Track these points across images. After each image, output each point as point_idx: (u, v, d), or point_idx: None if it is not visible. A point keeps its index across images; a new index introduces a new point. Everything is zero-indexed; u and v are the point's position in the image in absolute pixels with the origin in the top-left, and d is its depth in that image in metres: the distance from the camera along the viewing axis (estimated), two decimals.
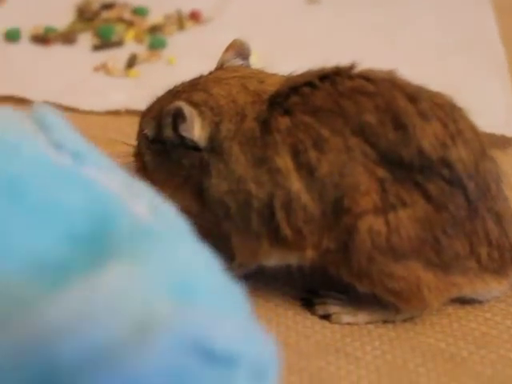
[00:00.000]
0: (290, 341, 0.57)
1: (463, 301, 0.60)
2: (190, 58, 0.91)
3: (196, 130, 0.58)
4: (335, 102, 0.55)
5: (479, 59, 0.94)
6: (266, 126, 0.56)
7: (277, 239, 0.56)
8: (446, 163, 0.54)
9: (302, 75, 0.58)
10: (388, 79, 0.56)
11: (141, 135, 0.63)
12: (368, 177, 0.54)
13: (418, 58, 0.93)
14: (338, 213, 0.54)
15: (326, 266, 0.57)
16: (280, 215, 0.55)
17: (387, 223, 0.53)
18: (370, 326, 0.59)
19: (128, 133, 0.77)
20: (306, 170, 0.55)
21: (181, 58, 0.92)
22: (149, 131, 0.61)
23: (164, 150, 0.60)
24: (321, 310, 0.59)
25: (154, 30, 0.98)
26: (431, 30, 1.01)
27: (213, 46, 0.92)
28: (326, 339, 0.57)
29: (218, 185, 0.58)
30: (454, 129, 0.55)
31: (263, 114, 0.57)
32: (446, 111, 0.56)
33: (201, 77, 0.62)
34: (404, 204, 0.53)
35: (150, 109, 0.63)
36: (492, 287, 0.58)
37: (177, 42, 0.97)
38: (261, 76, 0.61)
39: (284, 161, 0.55)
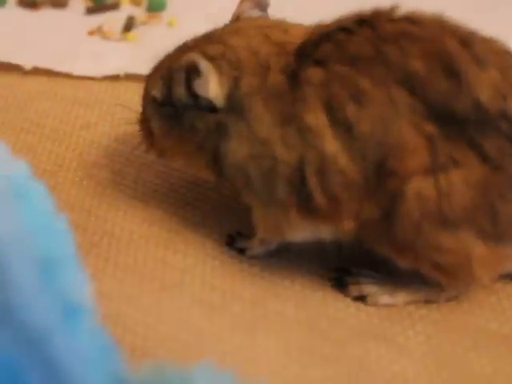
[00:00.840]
0: (322, 326, 0.51)
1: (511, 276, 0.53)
2: (192, 19, 0.84)
3: (212, 86, 0.51)
4: (376, 48, 0.48)
5: (506, 18, 0.87)
6: (294, 78, 0.49)
7: (308, 209, 0.49)
8: (506, 117, 0.47)
9: (335, 21, 0.51)
10: (436, 22, 0.50)
11: (147, 98, 0.56)
12: (415, 133, 0.47)
13: (461, 9, 0.86)
14: (381, 176, 0.47)
15: (364, 240, 0.50)
16: (312, 181, 0.48)
17: (437, 187, 0.47)
18: (411, 308, 0.52)
19: (128, 100, 0.71)
20: (344, 128, 0.48)
21: (182, 20, 0.85)
22: (157, 92, 0.54)
23: (175, 113, 0.53)
24: (354, 290, 0.53)
25: None
26: None
27: (216, 6, 0.86)
28: (362, 324, 0.51)
29: (237, 149, 0.51)
30: None
31: (291, 65, 0.50)
32: (503, 58, 0.49)
33: (216, 29, 0.55)
34: (457, 164, 0.47)
35: (157, 67, 0.56)
36: None
37: (177, 3, 0.89)
38: (284, 26, 0.54)
39: (317, 118, 0.48)
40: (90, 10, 0.88)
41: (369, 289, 0.52)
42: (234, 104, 0.51)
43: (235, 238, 0.56)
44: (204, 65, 0.50)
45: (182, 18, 0.85)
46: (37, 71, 0.76)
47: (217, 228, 0.58)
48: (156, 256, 0.55)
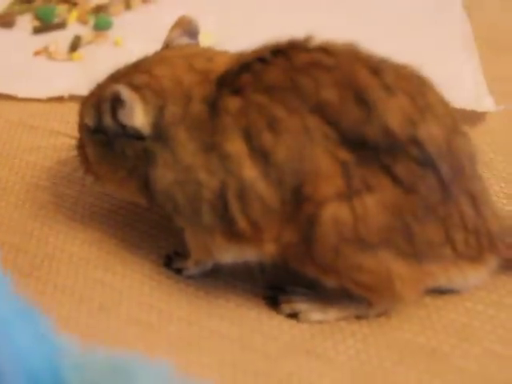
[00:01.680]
0: (256, 343, 0.52)
1: (440, 291, 0.55)
2: (137, 38, 0.85)
3: (138, 116, 0.52)
4: (290, 78, 0.50)
5: (444, 33, 0.89)
6: (214, 107, 0.51)
7: (232, 233, 0.51)
8: (416, 142, 0.48)
9: (253, 51, 0.53)
10: (348, 51, 0.51)
11: (82, 125, 0.57)
12: (329, 160, 0.48)
13: (380, 32, 0.87)
14: (297, 201, 0.49)
15: (289, 261, 0.52)
16: (234, 206, 0.50)
17: (353, 210, 0.48)
18: (342, 323, 0.54)
19: (72, 122, 0.72)
20: (261, 155, 0.49)
21: (128, 39, 0.86)
22: (89, 120, 0.55)
23: (106, 140, 0.55)
24: (287, 308, 0.54)
25: (99, 9, 0.92)
26: (394, 5, 0.96)
27: (162, 26, 0.86)
28: (295, 340, 0.52)
29: (164, 176, 0.52)
30: (422, 103, 0.50)
31: (211, 94, 0.51)
32: (412, 84, 0.51)
33: (144, 58, 0.56)
34: (370, 189, 0.48)
35: (89, 96, 0.57)
36: (469, 275, 0.53)
37: (123, 22, 0.90)
38: (209, 54, 0.55)
39: (235, 145, 0.50)
40: (37, 30, 0.89)
41: (301, 306, 0.54)
42: (160, 132, 0.52)
43: (172, 259, 0.57)
44: (127, 95, 0.51)
45: (127, 37, 0.86)
46: None
47: (154, 249, 0.59)
48: (95, 277, 0.57)
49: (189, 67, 0.53)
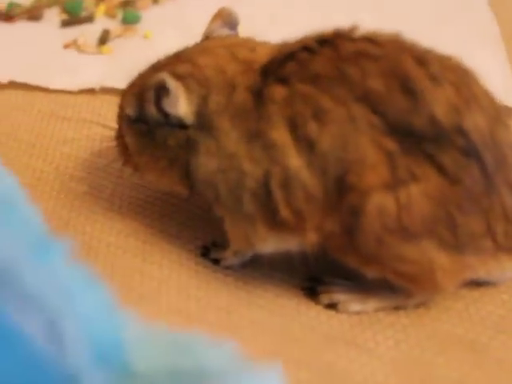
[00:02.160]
0: (296, 334, 0.52)
1: (477, 282, 0.55)
2: (166, 32, 0.86)
3: (182, 104, 0.52)
4: (336, 68, 0.50)
5: (469, 28, 0.89)
6: (259, 96, 0.51)
7: (274, 222, 0.51)
8: (461, 131, 0.49)
9: (298, 41, 0.53)
10: (394, 41, 0.51)
11: (122, 115, 0.57)
12: (375, 149, 0.48)
13: (407, 28, 0.88)
14: (341, 191, 0.49)
15: (330, 251, 0.52)
16: (277, 195, 0.50)
17: (397, 200, 0.48)
18: (381, 314, 0.54)
19: (104, 114, 0.73)
20: (306, 144, 0.49)
21: (157, 33, 0.86)
22: (130, 110, 0.56)
23: (147, 130, 0.55)
24: (326, 298, 0.54)
25: (126, 4, 0.92)
26: (420, 1, 0.96)
27: (190, 19, 0.88)
28: (334, 330, 0.53)
29: (206, 164, 0.52)
30: (467, 94, 0.50)
31: (256, 83, 0.52)
32: (457, 74, 0.51)
33: (186, 48, 0.57)
34: (416, 178, 0.48)
35: (131, 85, 0.58)
36: (507, 267, 0.53)
37: (152, 16, 0.90)
38: (251, 44, 0.56)
39: (280, 134, 0.50)
40: (65, 23, 0.89)
41: (339, 297, 0.54)
42: (203, 121, 0.52)
43: (210, 249, 0.58)
44: (172, 84, 0.52)
45: (156, 30, 0.86)
46: (13, 85, 0.77)
47: (192, 239, 0.59)
48: (133, 267, 0.57)
49: (231, 57, 0.53)
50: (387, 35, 0.52)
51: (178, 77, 0.53)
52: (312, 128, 0.49)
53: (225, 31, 0.58)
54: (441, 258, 0.50)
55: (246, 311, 0.54)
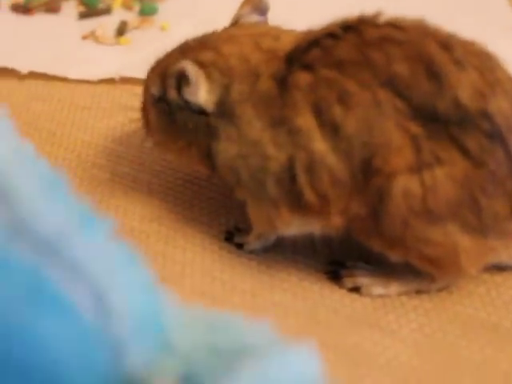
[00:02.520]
0: (320, 316, 0.53)
1: (499, 267, 0.56)
2: (183, 23, 0.86)
3: (202, 93, 0.53)
4: (361, 53, 0.50)
5: (487, 19, 0.89)
6: (283, 83, 0.51)
7: (298, 206, 0.51)
8: (486, 115, 0.49)
9: (322, 28, 0.53)
10: (418, 26, 0.52)
11: (147, 92, 0.58)
12: (400, 133, 0.49)
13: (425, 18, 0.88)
14: (367, 174, 0.50)
15: (354, 235, 0.52)
16: (303, 179, 0.50)
17: (423, 183, 0.49)
18: (404, 298, 0.54)
19: (124, 103, 0.73)
20: (331, 129, 0.50)
21: (174, 24, 0.87)
22: (154, 89, 0.57)
23: (169, 111, 0.56)
24: (349, 282, 0.55)
25: None
26: None
27: (207, 10, 0.88)
28: (358, 313, 0.53)
29: (227, 150, 0.53)
30: (491, 78, 0.50)
31: (280, 71, 0.52)
32: (481, 59, 0.51)
33: (212, 33, 0.57)
34: (440, 161, 0.49)
35: (156, 65, 0.58)
36: None
37: (169, 7, 0.91)
38: (276, 33, 0.56)
39: (305, 120, 0.50)
40: (83, 15, 0.90)
41: (363, 280, 0.54)
42: (225, 109, 0.53)
43: (234, 234, 0.58)
44: (193, 73, 0.53)
45: (174, 22, 0.87)
46: (33, 75, 0.78)
47: (215, 225, 0.60)
48: (156, 250, 0.57)
49: (255, 46, 0.54)
50: (411, 20, 0.52)
51: (201, 64, 0.53)
52: (337, 112, 0.50)
53: (254, 17, 0.59)
54: (464, 241, 0.50)
55: (270, 294, 0.54)
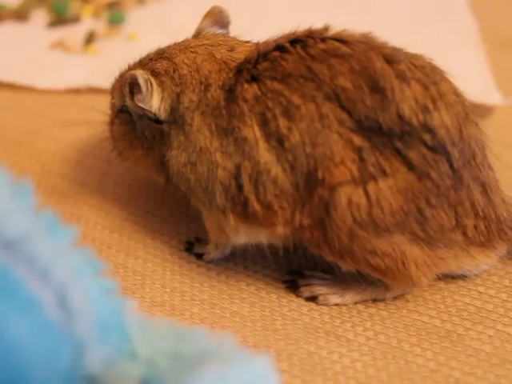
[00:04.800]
0: (277, 325, 0.54)
1: (453, 276, 0.57)
2: (151, 33, 0.87)
3: (155, 100, 0.54)
4: (307, 67, 0.51)
5: (450, 29, 0.90)
6: (231, 94, 0.53)
7: (245, 215, 0.52)
8: (428, 128, 0.50)
9: (273, 40, 0.54)
10: (363, 41, 0.52)
11: (110, 103, 0.60)
12: (344, 145, 0.50)
13: (387, 29, 0.89)
14: (311, 185, 0.51)
15: (306, 245, 0.53)
16: (248, 189, 0.52)
17: (367, 195, 0.50)
18: (360, 306, 0.55)
19: (89, 113, 0.73)
20: (276, 140, 0.51)
21: (142, 34, 0.87)
22: (115, 101, 0.58)
23: (130, 120, 0.57)
24: (306, 291, 0.56)
25: (112, 5, 0.93)
26: (400, 2, 0.97)
27: (174, 20, 0.89)
28: (315, 322, 0.54)
29: (176, 156, 0.54)
30: (435, 91, 0.51)
31: (229, 81, 0.53)
32: (425, 73, 0.52)
33: (170, 45, 0.58)
34: (384, 173, 0.50)
35: (119, 77, 0.60)
36: (479, 261, 0.55)
37: (137, 17, 0.91)
38: (231, 44, 0.57)
39: (251, 130, 0.51)
40: (52, 24, 0.90)
41: (320, 290, 0.55)
42: (176, 117, 0.54)
43: (193, 244, 0.59)
44: (144, 80, 0.54)
45: (141, 31, 0.88)
46: (0, 85, 0.78)
47: (175, 235, 0.61)
48: (118, 261, 0.58)
49: (209, 56, 0.55)
50: (357, 35, 0.53)
51: (155, 73, 0.55)
52: (282, 124, 0.51)
53: (215, 30, 0.60)
54: (413, 252, 0.51)
55: (229, 304, 0.55)
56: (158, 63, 0.56)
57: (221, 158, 0.52)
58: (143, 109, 0.55)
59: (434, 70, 0.53)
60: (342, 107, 0.50)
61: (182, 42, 0.59)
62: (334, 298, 0.55)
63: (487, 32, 0.89)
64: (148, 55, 0.59)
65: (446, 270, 0.55)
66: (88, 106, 0.75)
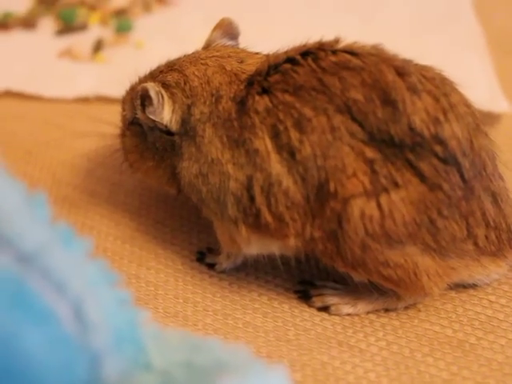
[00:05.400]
0: (289, 335, 0.54)
1: (464, 285, 0.57)
2: (158, 40, 0.87)
3: (166, 113, 0.55)
4: (318, 79, 0.51)
5: (455, 36, 0.90)
6: (243, 106, 0.53)
7: (257, 226, 0.53)
8: (439, 140, 0.50)
9: (284, 52, 0.55)
10: (374, 53, 0.53)
11: (121, 115, 0.60)
12: (355, 157, 0.50)
13: (392, 37, 0.89)
14: (323, 198, 0.51)
15: (318, 256, 0.54)
16: (260, 200, 0.52)
17: (379, 207, 0.50)
18: (372, 316, 0.55)
19: (98, 121, 0.74)
20: (287, 152, 0.51)
21: (149, 42, 0.88)
22: (127, 113, 0.59)
23: (141, 132, 0.58)
24: (318, 301, 0.56)
25: (120, 12, 0.93)
26: (405, 9, 0.97)
27: (182, 27, 0.89)
28: (327, 332, 0.54)
29: (188, 168, 0.55)
30: (445, 103, 0.51)
31: (240, 93, 0.54)
32: (436, 84, 0.52)
33: (181, 57, 0.59)
34: (396, 185, 0.50)
35: (130, 89, 0.60)
36: (490, 270, 0.55)
37: (144, 24, 0.92)
38: (241, 55, 0.57)
39: (263, 142, 0.52)
40: (60, 32, 0.90)
41: (332, 300, 0.56)
42: (187, 129, 0.55)
43: (205, 254, 0.59)
44: (155, 93, 0.54)
45: (148, 39, 0.88)
46: (9, 94, 0.79)
47: (186, 245, 0.61)
48: (130, 272, 0.58)
49: (220, 68, 0.55)
50: (368, 47, 0.53)
51: (166, 86, 0.55)
52: (293, 136, 0.51)
53: (225, 41, 0.60)
54: (425, 262, 0.51)
55: (241, 314, 0.55)
56: (168, 75, 0.56)
57: (232, 169, 0.52)
58: (154, 121, 0.55)
59: (444, 81, 0.53)
60: (354, 119, 0.50)
61: (193, 53, 0.59)
62: (346, 308, 0.55)
63: (491, 36, 0.89)
64: (158, 67, 0.59)
65: (458, 279, 0.55)
66: (97, 115, 0.76)
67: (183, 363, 0.39)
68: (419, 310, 0.56)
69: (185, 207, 0.63)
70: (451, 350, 0.53)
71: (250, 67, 0.55)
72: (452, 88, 0.53)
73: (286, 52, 0.55)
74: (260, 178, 0.52)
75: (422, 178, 0.50)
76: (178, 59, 0.58)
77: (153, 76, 0.58)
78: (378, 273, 0.52)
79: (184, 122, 0.55)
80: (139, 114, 0.56)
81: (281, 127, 0.51)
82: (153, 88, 0.54)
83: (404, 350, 0.53)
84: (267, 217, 0.52)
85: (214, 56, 0.57)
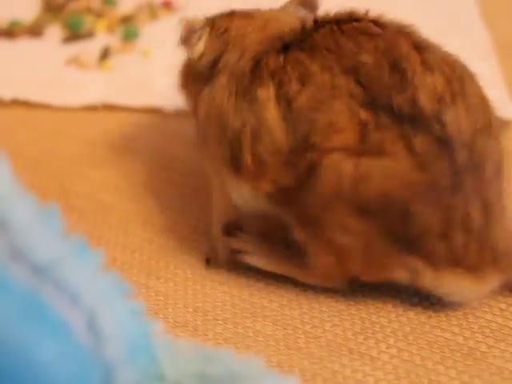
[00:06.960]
0: (300, 344, 0.53)
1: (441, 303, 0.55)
2: (165, 47, 0.86)
3: (199, 47, 0.58)
4: (334, 40, 0.53)
5: (463, 42, 0.89)
6: (257, 63, 0.55)
7: (236, 167, 0.54)
8: (440, 121, 0.49)
9: (316, 18, 0.56)
10: (397, 26, 0.54)
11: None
12: (349, 116, 0.50)
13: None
14: (304, 148, 0.51)
15: (276, 204, 0.54)
16: (245, 140, 0.53)
17: (357, 167, 0.49)
18: (383, 321, 0.55)
19: (106, 130, 0.74)
20: (285, 101, 0.52)
21: (156, 48, 0.88)
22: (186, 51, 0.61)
23: (190, 63, 0.61)
24: (235, 244, 0.57)
25: (126, 20, 0.93)
26: (412, 17, 0.97)
27: None
28: (338, 339, 0.54)
29: (200, 106, 0.58)
30: (457, 88, 0.50)
31: (261, 53, 0.55)
32: (454, 69, 0.52)
33: (251, 9, 0.61)
34: (382, 152, 0.49)
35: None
36: (465, 286, 0.52)
37: (151, 31, 0.92)
38: (288, 20, 0.59)
39: (266, 91, 0.53)
40: (67, 39, 0.90)
41: (248, 247, 0.57)
42: (214, 71, 0.57)
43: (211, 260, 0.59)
44: (198, 27, 0.58)
45: (155, 46, 0.88)
46: (16, 103, 0.79)
47: (195, 253, 0.61)
48: (139, 281, 0.58)
49: (261, 27, 0.58)
50: (395, 22, 0.54)
51: (214, 28, 0.58)
52: (294, 87, 0.52)
53: (301, 12, 0.61)
54: (378, 245, 0.50)
55: (252, 323, 0.55)
56: (221, 18, 0.59)
57: (232, 115, 0.54)
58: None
59: (464, 70, 0.53)
60: (358, 81, 0.50)
61: (255, 9, 0.61)
62: (258, 259, 0.57)
63: (496, 42, 0.89)
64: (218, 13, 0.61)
65: (411, 282, 0.53)
66: (104, 123, 0.76)
67: (196, 374, 0.39)
68: (430, 316, 0.55)
69: (193, 215, 0.63)
70: (462, 358, 0.52)
71: (286, 30, 0.56)
72: (471, 80, 0.53)
73: (321, 17, 0.56)
74: (253, 121, 0.53)
75: (412, 152, 0.48)
76: (240, 11, 0.60)
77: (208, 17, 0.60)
78: (326, 237, 0.51)
79: (214, 63, 0.57)
80: (180, 42, 0.59)
81: (286, 78, 0.53)
82: (198, 22, 0.58)
83: (415, 358, 0.52)
84: (248, 160, 0.53)
85: (266, 16, 0.59)
